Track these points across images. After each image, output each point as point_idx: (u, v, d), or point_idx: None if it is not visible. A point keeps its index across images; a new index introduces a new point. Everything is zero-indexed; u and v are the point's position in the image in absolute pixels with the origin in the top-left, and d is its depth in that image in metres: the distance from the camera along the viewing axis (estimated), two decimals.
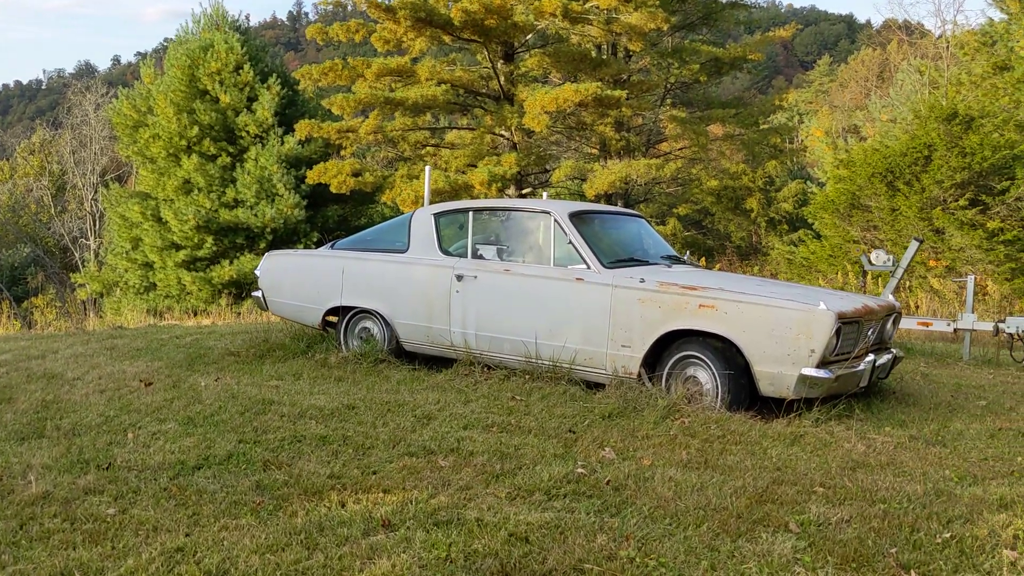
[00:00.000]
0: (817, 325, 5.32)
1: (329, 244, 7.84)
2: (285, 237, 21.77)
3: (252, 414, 5.46)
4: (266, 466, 4.45)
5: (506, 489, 4.13)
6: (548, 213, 6.47)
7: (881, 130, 26.64)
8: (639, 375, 5.96)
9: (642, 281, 5.94)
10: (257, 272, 8.01)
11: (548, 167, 24.55)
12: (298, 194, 21.34)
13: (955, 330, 9.12)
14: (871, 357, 5.88)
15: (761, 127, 25.27)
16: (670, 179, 24.88)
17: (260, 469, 4.41)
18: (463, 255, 6.85)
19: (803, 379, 5.36)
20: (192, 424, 5.26)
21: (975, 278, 9.40)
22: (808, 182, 33.66)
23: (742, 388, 5.59)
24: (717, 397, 5.66)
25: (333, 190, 20.28)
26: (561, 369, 6.26)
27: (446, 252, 6.94)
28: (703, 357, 5.71)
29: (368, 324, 7.34)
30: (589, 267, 6.17)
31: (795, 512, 3.90)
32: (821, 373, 5.34)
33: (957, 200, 16.68)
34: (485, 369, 6.64)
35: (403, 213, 23.33)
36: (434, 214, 7.09)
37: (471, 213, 6.92)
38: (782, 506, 3.98)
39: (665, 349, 5.90)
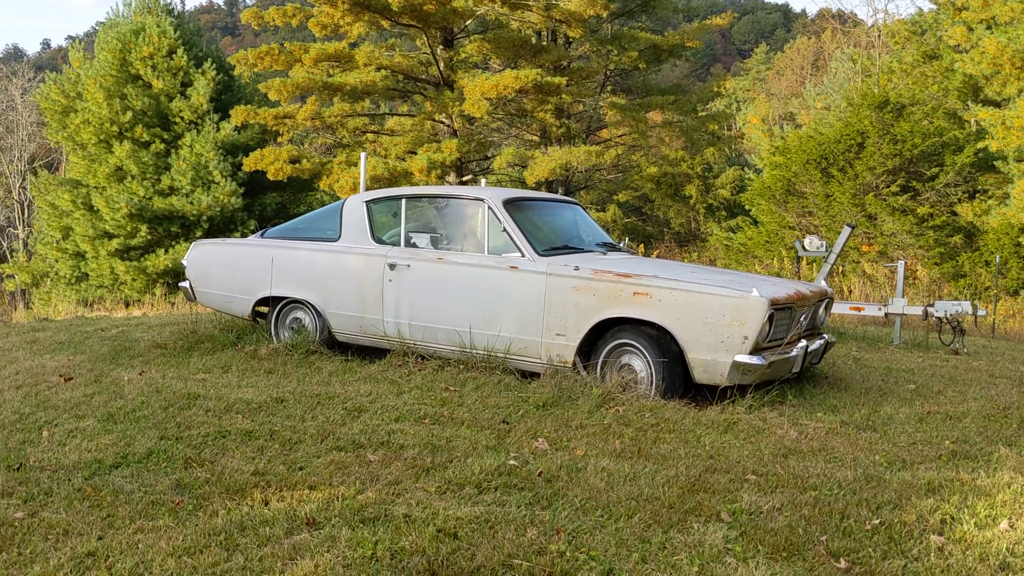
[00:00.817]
0: (750, 312, 5.31)
1: (258, 233, 7.64)
2: (222, 225, 21.39)
3: (176, 409, 5.29)
4: (187, 464, 4.30)
5: (436, 483, 4.04)
6: (482, 201, 6.37)
7: (816, 117, 27.02)
8: (574, 364, 5.91)
9: (576, 269, 5.87)
10: (184, 262, 7.78)
11: (489, 154, 24.46)
12: (235, 181, 21.01)
13: (886, 314, 9.26)
14: (804, 343, 5.90)
15: (700, 114, 25.49)
16: (610, 166, 24.94)
17: (181, 467, 4.26)
18: (396, 243, 6.72)
19: (737, 366, 5.35)
20: (112, 420, 5.07)
21: (905, 263, 9.55)
22: (745, 169, 34.04)
23: (676, 376, 5.57)
24: (652, 385, 5.63)
25: (270, 177, 19.99)
26: (496, 358, 6.18)
27: (379, 240, 6.81)
28: (638, 345, 5.67)
29: (300, 314, 7.18)
30: (523, 255, 6.09)
31: (727, 501, 3.88)
32: (754, 360, 5.33)
33: (889, 186, 16.99)
34: (419, 359, 6.53)
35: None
36: (366, 201, 6.95)
37: (404, 200, 6.79)
38: (714, 495, 3.96)
39: (600, 337, 5.86)
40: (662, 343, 5.59)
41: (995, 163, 17.20)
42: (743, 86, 56.06)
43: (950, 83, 19.26)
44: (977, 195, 17.52)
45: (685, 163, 32.59)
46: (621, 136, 24.72)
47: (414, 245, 6.65)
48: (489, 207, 6.30)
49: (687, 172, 33.58)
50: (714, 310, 5.39)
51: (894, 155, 16.77)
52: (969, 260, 16.51)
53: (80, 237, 21.41)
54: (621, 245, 7.03)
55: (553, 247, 6.33)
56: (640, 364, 5.71)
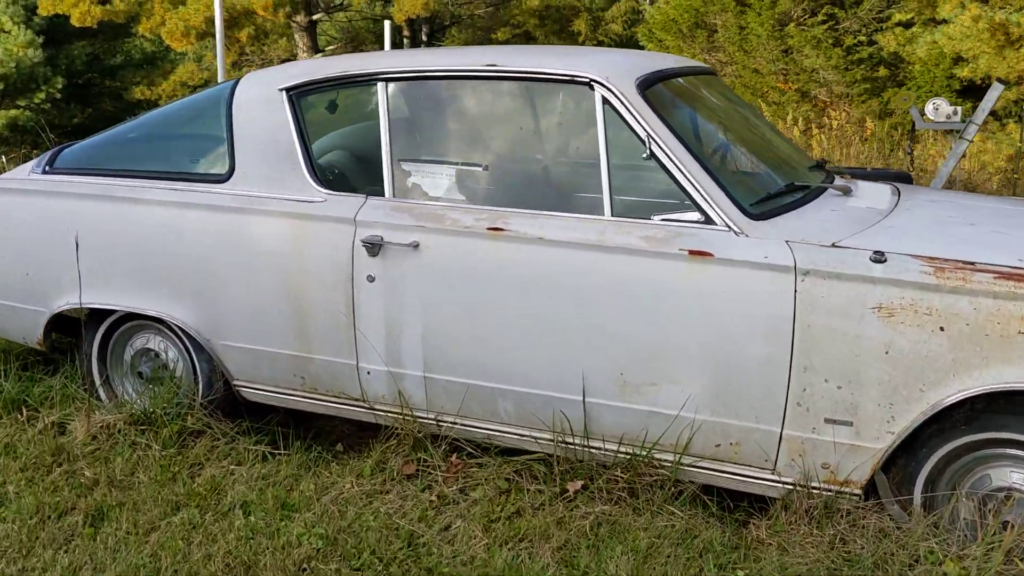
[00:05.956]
0: None
1: (46, 156, 3.58)
2: (20, 84, 18.34)
3: None
4: None
5: None
6: (590, 86, 2.64)
7: None
8: (866, 488, 2.47)
9: (879, 258, 2.35)
10: None
11: None
12: (31, 29, 18.02)
13: None
14: None
15: None
16: None
17: None
18: (373, 192, 2.94)
19: None
20: None
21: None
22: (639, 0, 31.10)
23: None
24: None
25: (75, 23, 17.23)
26: (659, 464, 2.65)
27: (328, 183, 3.01)
28: None
29: (154, 342, 3.35)
30: (718, 220, 2.49)
31: None
32: None
33: (811, 15, 15.04)
34: (452, 456, 2.91)
35: (172, 50, 19.59)
36: (287, 89, 3.06)
37: (384, 86, 2.94)
38: None
39: (924, 430, 2.42)
40: None
41: None
42: None
43: None
44: (889, 22, 15.91)
45: None
46: None
47: (420, 192, 2.90)
48: (608, 98, 2.59)
49: (574, 4, 30.52)
50: None
51: None
52: (896, 97, 14.93)
53: None
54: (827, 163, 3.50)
55: (769, 194, 2.73)
56: None
